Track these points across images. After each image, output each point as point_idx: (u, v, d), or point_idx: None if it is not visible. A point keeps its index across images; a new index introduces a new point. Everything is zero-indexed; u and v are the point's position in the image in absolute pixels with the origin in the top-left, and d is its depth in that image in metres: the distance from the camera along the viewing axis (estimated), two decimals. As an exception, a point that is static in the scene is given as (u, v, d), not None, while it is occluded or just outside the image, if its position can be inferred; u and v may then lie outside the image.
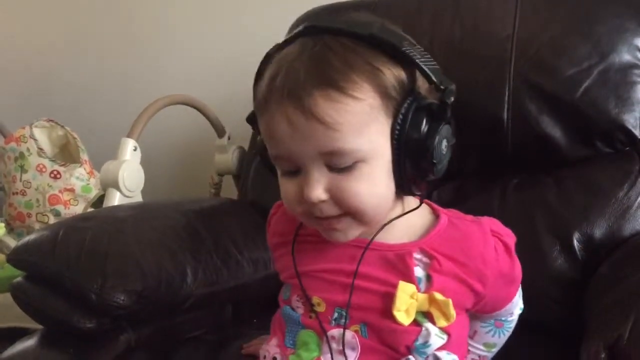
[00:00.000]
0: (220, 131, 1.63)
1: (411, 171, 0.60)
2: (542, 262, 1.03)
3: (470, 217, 0.68)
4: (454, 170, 1.16)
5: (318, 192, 0.57)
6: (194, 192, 1.86)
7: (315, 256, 0.66)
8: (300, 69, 0.55)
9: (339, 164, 0.57)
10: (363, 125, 0.56)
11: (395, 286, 0.61)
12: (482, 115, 1.14)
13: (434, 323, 0.62)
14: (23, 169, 1.75)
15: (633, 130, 1.06)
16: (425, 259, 0.63)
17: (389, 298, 0.61)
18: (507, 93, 1.12)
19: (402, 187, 0.61)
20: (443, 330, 0.62)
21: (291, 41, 0.60)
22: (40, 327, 1.03)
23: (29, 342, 0.98)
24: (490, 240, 0.64)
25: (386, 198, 0.61)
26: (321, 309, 0.65)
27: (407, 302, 0.61)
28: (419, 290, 0.62)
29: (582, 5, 1.13)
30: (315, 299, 0.65)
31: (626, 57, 1.07)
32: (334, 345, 0.63)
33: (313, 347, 0.65)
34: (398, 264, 0.63)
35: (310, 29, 0.59)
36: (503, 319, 0.74)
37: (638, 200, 1.02)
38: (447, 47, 1.18)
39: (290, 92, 0.55)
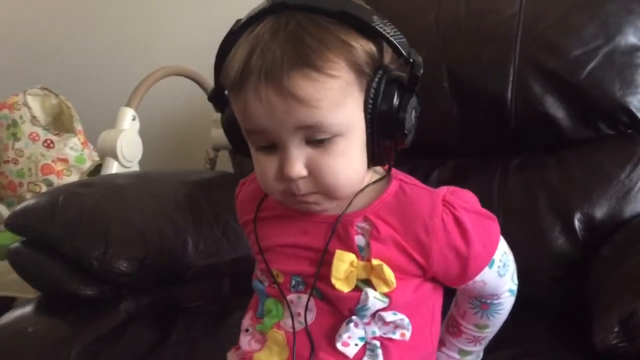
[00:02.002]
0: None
1: (384, 143, 0.61)
2: (543, 241, 1.03)
3: (426, 186, 0.67)
4: (455, 148, 1.19)
5: (298, 168, 0.58)
6: (189, 166, 1.84)
7: (274, 232, 0.69)
8: (276, 49, 0.55)
9: (318, 138, 0.58)
10: (340, 100, 0.57)
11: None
12: (485, 94, 1.14)
13: (375, 290, 0.62)
14: (15, 137, 1.72)
15: (637, 113, 1.06)
16: (367, 227, 0.63)
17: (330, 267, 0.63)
18: (511, 72, 1.11)
19: (374, 159, 0.62)
20: (384, 294, 0.63)
21: (258, 18, 0.59)
22: (28, 296, 1.02)
23: (27, 309, 0.97)
24: (438, 210, 0.62)
25: (360, 172, 0.62)
26: (280, 279, 0.68)
27: (345, 270, 0.62)
28: (360, 258, 0.63)
29: (589, -15, 1.12)
30: (274, 271, 0.68)
31: (632, 39, 1.07)
32: (293, 309, 0.66)
33: (275, 313, 0.68)
34: (342, 233, 0.64)
35: (279, 6, 0.58)
36: (488, 301, 0.71)
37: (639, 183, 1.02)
38: (452, 24, 1.17)
39: (268, 73, 0.55)
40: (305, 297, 0.66)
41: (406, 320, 0.64)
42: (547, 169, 1.09)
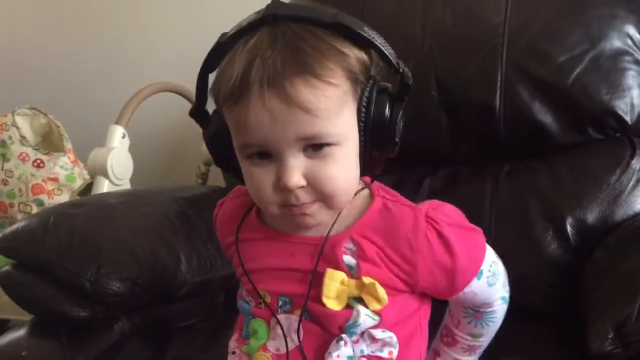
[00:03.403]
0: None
1: (376, 151, 0.62)
2: (536, 247, 1.03)
3: (409, 202, 0.67)
4: (445, 156, 1.19)
5: (296, 178, 0.58)
6: (181, 182, 1.84)
7: (260, 255, 0.68)
8: (276, 58, 0.56)
9: (316, 148, 0.58)
10: (338, 110, 0.58)
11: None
12: (474, 102, 1.14)
13: (367, 307, 0.62)
14: (5, 158, 1.71)
15: (624, 116, 1.07)
16: (353, 247, 0.63)
17: (321, 286, 0.63)
18: (499, 79, 1.12)
19: (365, 168, 0.63)
20: (375, 312, 0.63)
21: (249, 30, 0.59)
22: (22, 318, 1.01)
23: (20, 332, 0.96)
24: (422, 227, 0.62)
25: (355, 181, 0.63)
26: (267, 300, 0.67)
27: (336, 289, 0.62)
28: (350, 276, 0.63)
29: (573, -9, 1.14)
30: (261, 292, 0.67)
31: (617, 43, 1.08)
32: (279, 331, 0.66)
33: (262, 334, 0.67)
34: (329, 254, 0.64)
35: (270, 18, 0.58)
36: (481, 310, 0.71)
37: (630, 186, 1.03)
38: (439, 33, 1.18)
39: (270, 80, 0.55)
40: (292, 317, 0.65)
41: (394, 338, 0.64)
42: (538, 175, 1.09)
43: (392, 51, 0.61)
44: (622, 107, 1.07)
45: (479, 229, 0.67)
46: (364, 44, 0.60)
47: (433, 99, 1.17)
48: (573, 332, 0.84)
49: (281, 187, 0.59)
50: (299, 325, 0.64)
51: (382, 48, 0.60)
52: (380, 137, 0.61)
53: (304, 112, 0.56)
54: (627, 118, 1.07)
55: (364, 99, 0.60)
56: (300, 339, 0.65)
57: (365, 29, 0.60)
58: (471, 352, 0.75)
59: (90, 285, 0.90)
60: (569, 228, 1.02)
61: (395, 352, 0.64)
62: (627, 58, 1.07)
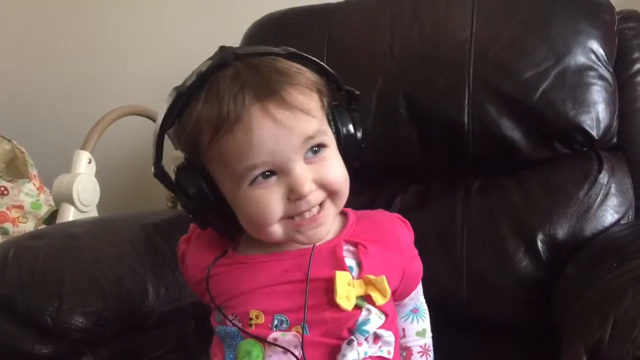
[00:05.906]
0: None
1: (347, 158, 0.70)
2: (508, 264, 1.03)
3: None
4: (417, 173, 1.19)
5: (308, 184, 0.63)
6: (150, 206, 1.80)
7: (244, 277, 0.69)
8: (263, 78, 0.61)
9: (314, 151, 0.64)
10: (322, 115, 0.67)
11: (332, 279, 0.66)
12: (443, 119, 1.14)
13: (373, 304, 0.67)
14: (-33, 186, 1.67)
15: (590, 131, 1.08)
16: (352, 248, 0.69)
17: (330, 291, 0.65)
18: (467, 96, 1.12)
19: None
20: (381, 310, 0.67)
21: (212, 72, 0.62)
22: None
23: (-21, 371, 0.92)
24: (395, 219, 0.75)
25: (348, 180, 0.69)
26: (260, 320, 0.67)
27: (346, 289, 0.65)
28: (352, 278, 0.67)
29: (537, 7, 1.14)
30: (253, 312, 0.67)
31: (581, 59, 1.09)
32: (277, 348, 0.66)
33: (256, 353, 0.66)
34: (329, 258, 0.67)
35: (232, 57, 0.63)
36: (416, 305, 0.81)
37: (598, 200, 1.03)
38: (406, 51, 1.18)
39: (268, 93, 0.60)
40: (289, 334, 0.65)
41: (393, 337, 0.68)
42: (508, 191, 1.10)
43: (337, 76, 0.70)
44: (588, 122, 1.07)
45: None
46: (316, 68, 0.68)
47: (403, 116, 1.17)
48: (549, 350, 0.83)
49: (295, 197, 0.63)
50: (302, 341, 0.64)
51: (328, 68, 0.69)
52: (350, 145, 0.70)
53: (303, 113, 0.62)
54: (594, 133, 1.08)
55: (330, 112, 0.69)
56: (304, 353, 0.65)
57: (315, 59, 0.68)
58: (426, 354, 0.81)
59: (52, 321, 0.87)
60: (539, 244, 1.02)
61: (392, 351, 0.69)
62: (592, 73, 1.08)
